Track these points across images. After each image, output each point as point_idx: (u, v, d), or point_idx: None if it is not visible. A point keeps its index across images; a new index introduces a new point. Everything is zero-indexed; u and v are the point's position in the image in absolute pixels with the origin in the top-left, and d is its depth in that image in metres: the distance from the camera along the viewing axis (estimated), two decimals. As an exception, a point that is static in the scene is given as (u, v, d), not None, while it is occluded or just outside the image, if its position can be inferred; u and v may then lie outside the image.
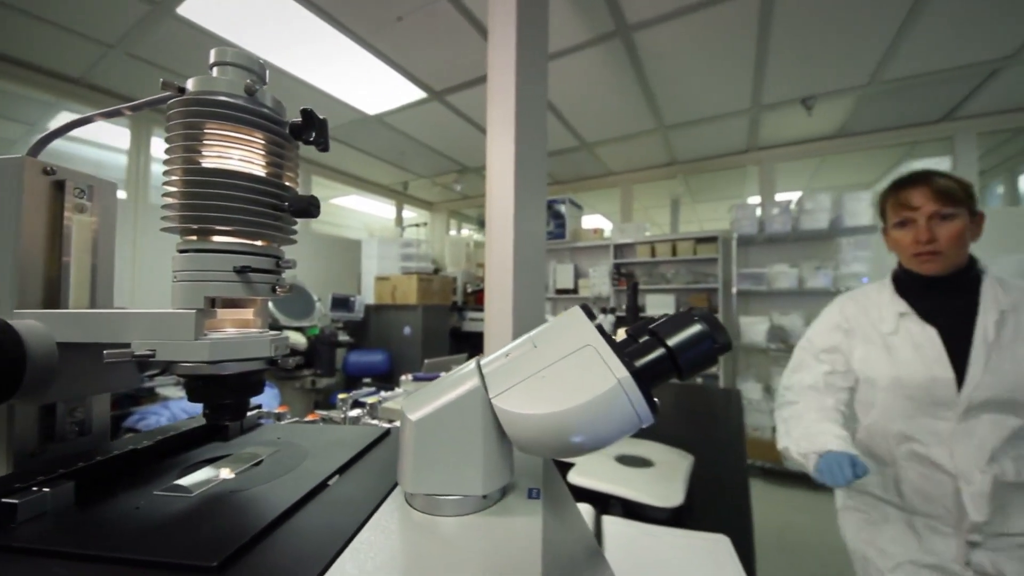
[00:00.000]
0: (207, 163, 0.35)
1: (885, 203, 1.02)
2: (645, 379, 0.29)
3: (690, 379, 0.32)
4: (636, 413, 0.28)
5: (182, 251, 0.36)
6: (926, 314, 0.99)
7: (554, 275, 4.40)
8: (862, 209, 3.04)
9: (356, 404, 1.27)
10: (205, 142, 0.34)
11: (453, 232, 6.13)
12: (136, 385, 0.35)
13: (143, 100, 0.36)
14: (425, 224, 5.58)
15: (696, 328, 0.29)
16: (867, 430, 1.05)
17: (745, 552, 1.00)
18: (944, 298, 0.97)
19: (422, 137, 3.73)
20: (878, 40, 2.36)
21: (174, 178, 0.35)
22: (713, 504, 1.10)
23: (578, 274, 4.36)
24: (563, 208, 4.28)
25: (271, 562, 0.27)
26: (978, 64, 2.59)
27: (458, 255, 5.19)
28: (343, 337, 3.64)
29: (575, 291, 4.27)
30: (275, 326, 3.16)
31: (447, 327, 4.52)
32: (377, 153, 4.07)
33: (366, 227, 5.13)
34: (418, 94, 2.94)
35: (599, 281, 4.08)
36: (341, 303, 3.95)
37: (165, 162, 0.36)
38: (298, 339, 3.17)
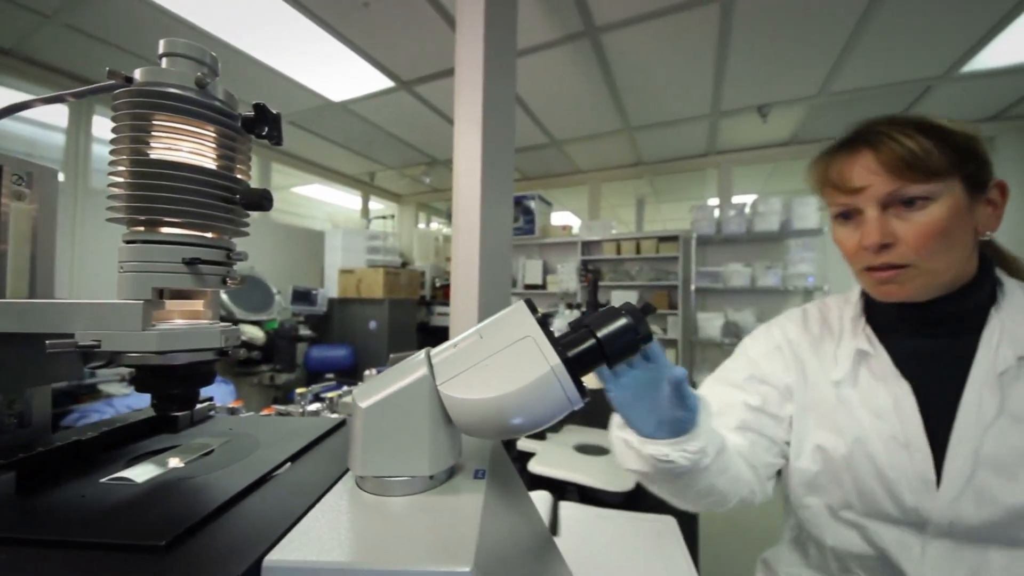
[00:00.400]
0: (155, 154, 0.35)
1: (817, 181, 0.61)
2: (576, 366, 0.32)
3: (617, 365, 0.36)
4: (567, 396, 0.31)
5: (129, 242, 0.36)
6: (903, 358, 0.57)
7: (523, 271, 4.44)
8: (809, 213, 3.24)
9: (317, 399, 1.26)
10: (154, 134, 0.34)
11: (422, 225, 6.06)
12: (79, 378, 0.35)
13: (87, 88, 0.35)
14: (392, 216, 5.48)
15: (622, 322, 0.32)
16: (802, 527, 0.64)
17: (690, 532, 1.07)
18: (934, 337, 0.56)
19: (390, 127, 3.66)
20: (827, 55, 2.52)
21: (121, 168, 0.35)
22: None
23: (547, 270, 4.42)
24: (532, 204, 4.32)
25: (220, 541, 0.28)
26: (914, 81, 2.82)
27: (427, 249, 5.14)
28: (304, 331, 3.55)
29: (543, 287, 4.33)
30: (230, 319, 3.04)
31: (415, 322, 4.48)
32: (342, 141, 3.97)
33: (330, 218, 4.98)
34: (385, 83, 2.88)
35: (567, 277, 4.15)
36: (302, 296, 3.84)
37: (112, 151, 0.35)
38: (255, 333, 3.06)
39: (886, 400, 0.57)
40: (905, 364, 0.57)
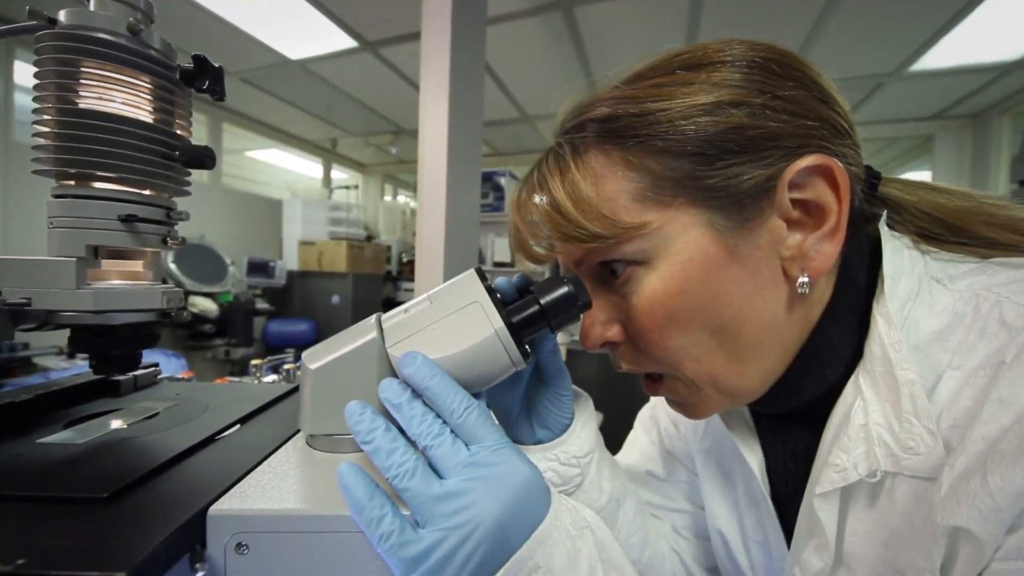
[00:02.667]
0: (84, 104, 0.33)
1: None
2: (519, 330, 0.34)
3: (560, 330, 0.38)
4: (510, 358, 0.33)
5: (58, 196, 0.34)
6: (769, 426, 0.40)
7: (492, 248, 4.42)
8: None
9: (274, 370, 1.23)
10: (82, 82, 0.32)
11: (388, 198, 5.89)
12: (8, 338, 0.34)
13: (4, 28, 0.32)
14: (356, 187, 5.29)
15: (564, 289, 0.35)
16: None
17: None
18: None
19: (353, 91, 3.49)
20: (791, 45, 2.61)
21: (46, 118, 0.33)
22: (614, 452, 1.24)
23: (514, 247, 4.41)
24: (503, 181, 4.27)
25: (164, 494, 0.29)
26: (867, 76, 2.96)
27: (393, 222, 5.01)
28: (261, 305, 3.43)
29: (512, 264, 4.35)
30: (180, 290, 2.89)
31: (380, 297, 4.41)
32: (301, 104, 3.75)
33: (288, 186, 4.75)
34: (348, 42, 2.73)
35: (533, 254, 4.18)
36: (259, 268, 3.68)
37: (35, 99, 0.33)
38: (207, 305, 2.93)
39: (731, 478, 0.45)
40: (770, 433, 0.40)
